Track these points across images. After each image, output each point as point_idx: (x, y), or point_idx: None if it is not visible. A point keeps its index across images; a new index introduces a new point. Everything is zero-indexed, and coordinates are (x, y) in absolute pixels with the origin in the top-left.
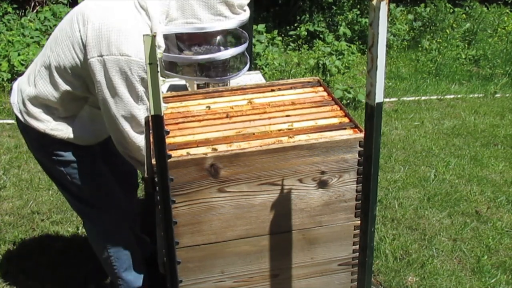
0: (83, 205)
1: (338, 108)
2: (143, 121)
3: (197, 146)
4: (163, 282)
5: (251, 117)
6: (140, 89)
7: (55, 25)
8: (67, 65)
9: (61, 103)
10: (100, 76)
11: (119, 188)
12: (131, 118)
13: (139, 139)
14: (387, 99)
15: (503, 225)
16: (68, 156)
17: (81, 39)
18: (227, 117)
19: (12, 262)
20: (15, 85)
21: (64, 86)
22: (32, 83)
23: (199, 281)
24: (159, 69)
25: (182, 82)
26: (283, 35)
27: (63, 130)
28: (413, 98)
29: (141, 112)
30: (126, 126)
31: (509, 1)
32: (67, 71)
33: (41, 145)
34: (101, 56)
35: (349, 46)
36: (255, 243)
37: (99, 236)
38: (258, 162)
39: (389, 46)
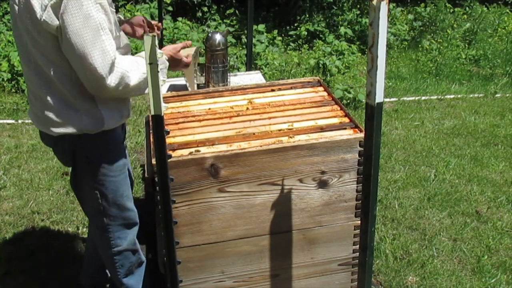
0: (107, 212)
1: (338, 108)
2: (112, 53)
3: (197, 146)
4: (163, 282)
5: (251, 117)
6: (98, 17)
7: None
8: (44, 43)
9: (70, 88)
10: (55, 23)
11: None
12: (101, 54)
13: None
14: (387, 99)
15: (503, 225)
16: (105, 155)
17: (27, 8)
18: (236, 116)
19: (12, 262)
20: (31, 113)
21: (60, 69)
22: (42, 92)
23: (199, 281)
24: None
25: (182, 82)
26: (283, 35)
27: (96, 122)
28: (413, 98)
29: (107, 42)
30: (99, 68)
31: (509, 1)
32: (49, 50)
33: (78, 150)
34: (46, 6)
35: (350, 46)
36: (255, 243)
37: (108, 244)
38: (258, 162)
39: (389, 46)
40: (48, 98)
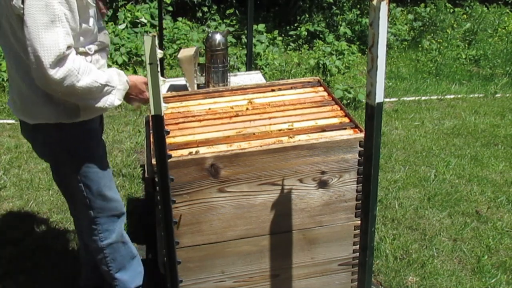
0: (93, 204)
1: (338, 108)
2: (62, 47)
3: (198, 146)
4: (163, 282)
5: (252, 117)
6: (58, 9)
7: None
8: (19, 30)
9: None
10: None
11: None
12: (51, 43)
13: (61, 72)
14: (387, 99)
15: (503, 225)
16: (85, 145)
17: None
18: (236, 116)
19: (12, 262)
20: (11, 101)
21: None
22: (20, 80)
23: (199, 281)
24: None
25: (182, 82)
26: (283, 35)
27: (71, 112)
28: (413, 98)
29: (61, 35)
30: (44, 57)
31: (509, 1)
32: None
33: (57, 141)
34: None
35: (350, 46)
36: (255, 243)
37: (97, 237)
38: (258, 162)
39: (389, 46)
40: (26, 87)
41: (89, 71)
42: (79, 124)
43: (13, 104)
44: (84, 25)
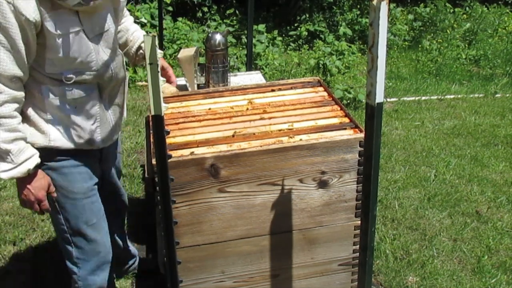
0: (73, 241)
1: (339, 108)
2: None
3: (198, 146)
4: (163, 282)
5: (252, 117)
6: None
7: None
8: None
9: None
10: None
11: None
12: None
13: None
14: (388, 99)
15: (503, 225)
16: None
17: None
18: (238, 115)
19: (12, 262)
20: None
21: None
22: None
23: (199, 281)
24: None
25: (182, 82)
26: (283, 35)
27: (42, 136)
28: (413, 98)
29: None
30: None
31: (509, 1)
32: None
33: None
34: None
35: (350, 46)
36: (255, 243)
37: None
38: (258, 162)
39: (389, 46)
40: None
41: (4, 124)
42: (58, 152)
43: None
44: (51, 54)
